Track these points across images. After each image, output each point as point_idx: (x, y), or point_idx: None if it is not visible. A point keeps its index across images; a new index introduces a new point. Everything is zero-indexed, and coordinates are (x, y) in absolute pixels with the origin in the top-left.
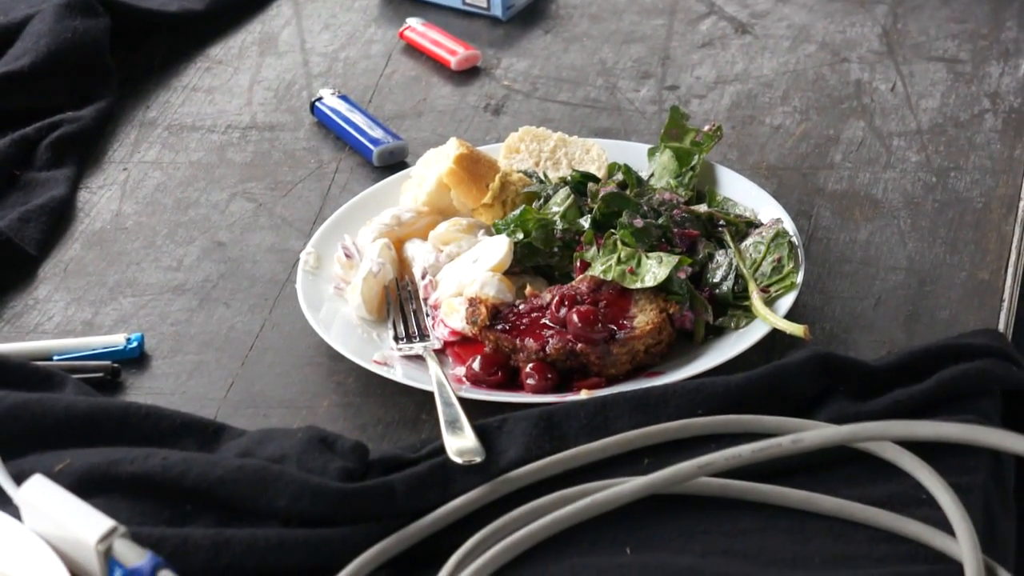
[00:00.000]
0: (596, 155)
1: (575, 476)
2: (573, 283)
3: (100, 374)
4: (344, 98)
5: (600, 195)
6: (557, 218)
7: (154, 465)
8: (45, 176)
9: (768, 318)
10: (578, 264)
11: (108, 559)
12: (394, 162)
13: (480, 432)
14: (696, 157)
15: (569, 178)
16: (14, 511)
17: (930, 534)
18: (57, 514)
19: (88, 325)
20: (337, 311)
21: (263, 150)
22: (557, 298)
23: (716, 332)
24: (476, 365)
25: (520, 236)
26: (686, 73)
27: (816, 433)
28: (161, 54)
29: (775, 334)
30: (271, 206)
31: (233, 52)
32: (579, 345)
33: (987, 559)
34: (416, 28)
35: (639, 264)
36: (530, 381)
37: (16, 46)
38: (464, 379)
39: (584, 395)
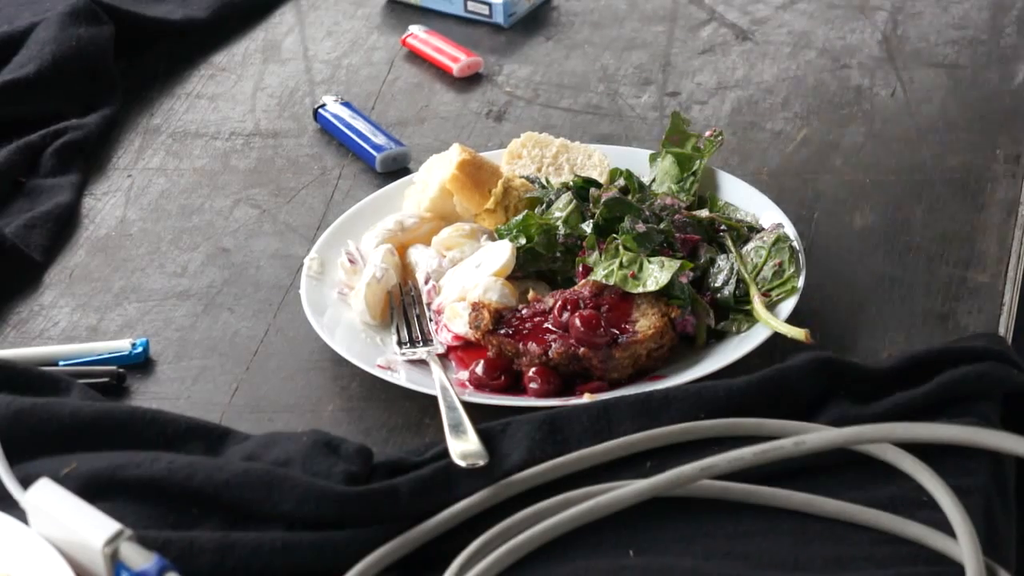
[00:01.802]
0: (598, 161)
1: (578, 479)
2: (575, 288)
3: (106, 379)
4: (347, 105)
5: (602, 200)
6: (559, 223)
7: (160, 469)
8: (50, 183)
9: (769, 322)
10: (580, 269)
11: (115, 562)
12: (397, 168)
13: (483, 436)
14: (697, 163)
15: (571, 183)
16: (21, 515)
17: (931, 536)
18: (64, 518)
19: (93, 331)
20: (341, 316)
21: (267, 157)
22: (559, 303)
23: (718, 336)
24: (479, 369)
25: (522, 241)
26: (687, 79)
27: (818, 436)
28: (165, 62)
29: (776, 338)
30: (275, 212)
31: (236, 59)
32: (581, 349)
33: (988, 561)
34: (418, 35)
35: (641, 269)
36: (533, 385)
37: (21, 54)
38: (467, 383)
39: (587, 399)
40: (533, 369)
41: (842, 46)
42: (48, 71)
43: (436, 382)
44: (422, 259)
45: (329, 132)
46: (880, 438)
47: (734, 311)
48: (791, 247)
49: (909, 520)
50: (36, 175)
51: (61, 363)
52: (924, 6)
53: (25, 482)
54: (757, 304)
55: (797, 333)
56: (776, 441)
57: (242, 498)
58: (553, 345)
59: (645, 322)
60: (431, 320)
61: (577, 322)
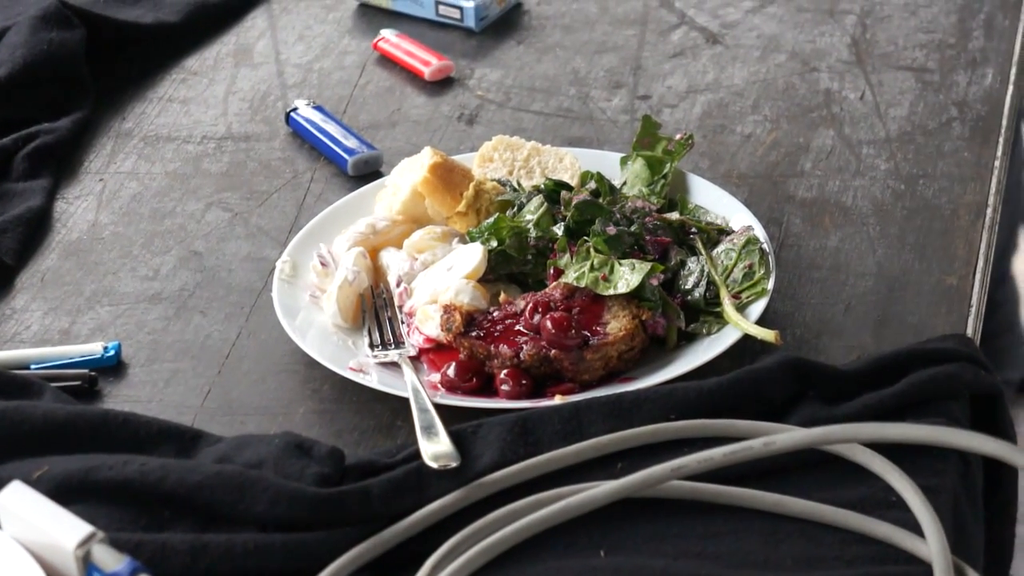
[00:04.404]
0: (569, 164)
1: (549, 480)
2: (547, 290)
3: (78, 382)
4: (319, 108)
5: (573, 203)
6: (531, 226)
7: (132, 471)
8: (22, 187)
9: (739, 324)
10: (551, 271)
11: (87, 564)
12: (369, 171)
13: (455, 437)
14: (668, 165)
15: (542, 186)
16: None
17: (900, 535)
18: (36, 520)
19: (65, 334)
20: (313, 319)
21: (238, 160)
22: (531, 305)
23: (688, 338)
24: (451, 372)
25: (494, 244)
26: (658, 83)
27: (787, 436)
28: (137, 65)
29: (746, 340)
30: (247, 216)
31: (208, 63)
32: (553, 351)
33: (956, 560)
34: (390, 39)
35: (612, 271)
36: (504, 387)
37: None
38: (439, 385)
39: (558, 400)
40: (504, 371)
41: (811, 49)
42: (19, 75)
43: (408, 384)
44: (394, 262)
45: (301, 136)
46: (849, 438)
47: (704, 313)
48: (761, 249)
49: (878, 520)
50: (8, 179)
51: (33, 366)
52: (892, 10)
53: None
54: (727, 306)
55: (767, 335)
56: (746, 442)
57: (214, 500)
58: (524, 347)
59: (616, 324)
60: (403, 323)
61: (548, 324)
